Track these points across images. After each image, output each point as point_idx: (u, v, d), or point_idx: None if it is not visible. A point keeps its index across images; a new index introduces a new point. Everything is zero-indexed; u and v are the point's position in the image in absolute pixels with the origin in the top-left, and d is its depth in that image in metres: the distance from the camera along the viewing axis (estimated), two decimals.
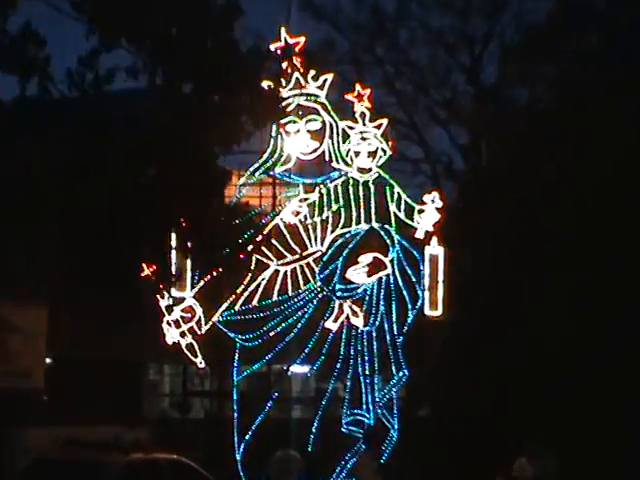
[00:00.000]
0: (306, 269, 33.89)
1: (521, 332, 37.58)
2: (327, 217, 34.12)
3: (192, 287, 32.48)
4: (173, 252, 32.01)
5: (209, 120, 21.93)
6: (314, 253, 33.87)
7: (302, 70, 33.96)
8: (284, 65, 32.79)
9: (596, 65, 46.10)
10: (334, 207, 34.21)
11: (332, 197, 34.23)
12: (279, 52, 32.14)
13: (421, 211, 34.65)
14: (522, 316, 37.03)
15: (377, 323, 34.30)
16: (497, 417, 38.59)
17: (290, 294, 33.77)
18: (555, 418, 38.89)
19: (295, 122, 34.08)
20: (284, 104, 33.60)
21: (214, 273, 32.60)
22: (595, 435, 39.84)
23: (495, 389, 39.51)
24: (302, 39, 33.61)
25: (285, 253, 33.61)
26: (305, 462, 31.44)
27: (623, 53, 45.71)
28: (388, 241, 34.24)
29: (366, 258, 33.99)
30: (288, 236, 33.57)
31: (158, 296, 31.78)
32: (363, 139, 34.51)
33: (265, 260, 33.33)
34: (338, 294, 33.87)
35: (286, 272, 33.75)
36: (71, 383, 32.99)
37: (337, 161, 34.35)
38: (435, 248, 34.60)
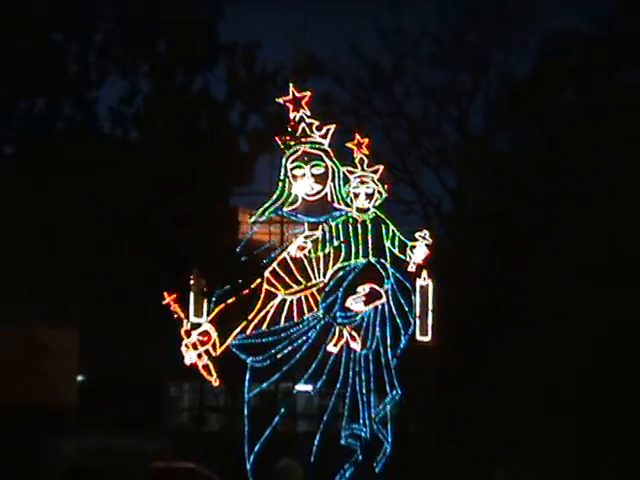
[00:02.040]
0: (310, 298, 33.98)
1: (501, 356, 37.64)
2: (329, 252, 34.32)
3: (208, 314, 32.72)
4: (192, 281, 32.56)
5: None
6: (317, 284, 34.01)
7: (308, 121, 34.25)
8: (292, 116, 33.33)
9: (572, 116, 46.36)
10: (335, 243, 34.32)
11: (334, 234, 34.36)
12: (288, 104, 32.57)
13: (413, 247, 34.74)
14: (501, 341, 37.09)
15: (373, 347, 34.35)
16: (481, 428, 38.62)
17: (295, 320, 33.85)
18: (532, 435, 38.97)
19: (301, 167, 34.23)
20: (291, 151, 34.10)
21: (227, 302, 33.12)
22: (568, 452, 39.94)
23: (479, 406, 39.58)
24: (308, 93, 33.96)
25: (291, 284, 33.77)
26: (305, 471, 32.08)
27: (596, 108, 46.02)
28: (383, 273, 34.36)
29: (364, 289, 34.10)
30: (294, 269, 33.80)
31: (177, 322, 32.12)
32: (362, 182, 34.62)
33: (273, 290, 33.58)
34: (338, 321, 33.96)
35: (292, 301, 33.84)
36: (100, 399, 33.08)
37: (338, 202, 34.47)
38: (425, 280, 34.72)
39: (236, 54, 21.59)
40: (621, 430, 39.91)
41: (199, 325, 32.62)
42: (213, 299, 32.90)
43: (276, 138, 33.68)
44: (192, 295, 32.52)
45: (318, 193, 34.52)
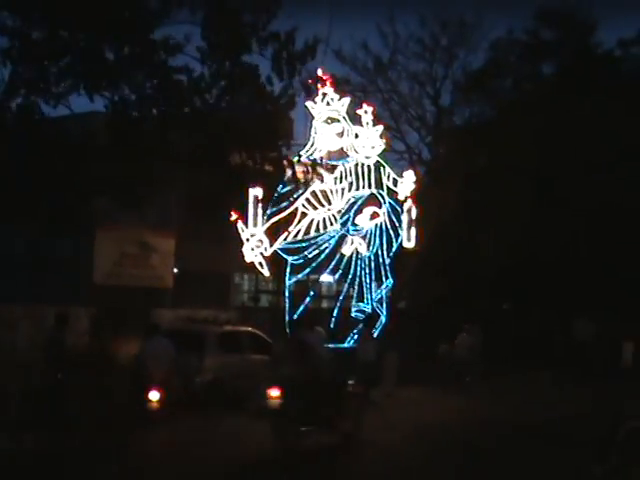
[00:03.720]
0: (331, 217, 33.96)
1: (463, 255, 37.58)
2: (344, 185, 34.21)
3: (262, 225, 32.73)
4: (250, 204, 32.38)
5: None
6: (336, 207, 33.97)
7: (330, 95, 33.99)
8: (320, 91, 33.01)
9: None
10: (349, 179, 34.28)
11: (348, 173, 34.30)
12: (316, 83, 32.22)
13: (402, 182, 34.80)
14: (465, 248, 37.01)
15: (374, 250, 34.41)
16: (447, 307, 38.54)
17: (321, 232, 33.90)
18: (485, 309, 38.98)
19: (326, 127, 34.11)
20: (319, 116, 33.94)
21: (276, 218, 33.05)
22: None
23: (448, 291, 39.51)
24: (332, 75, 33.79)
25: (318, 207, 33.69)
26: (327, 333, 32.07)
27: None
28: (381, 200, 34.33)
29: (368, 210, 34.11)
30: (321, 196, 33.64)
31: (241, 231, 32.05)
32: (367, 138, 34.49)
33: (306, 211, 33.47)
34: (350, 232, 33.96)
35: (319, 219, 33.89)
36: (188, 284, 33.12)
37: (351, 151, 34.38)
38: (410, 205, 34.58)
39: (280, 38, 20.81)
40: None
41: (255, 234, 32.57)
42: (265, 216, 32.78)
43: (308, 105, 33.41)
44: (251, 212, 32.40)
45: (338, 145, 34.40)
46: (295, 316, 33.45)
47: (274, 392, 18.72)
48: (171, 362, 20.81)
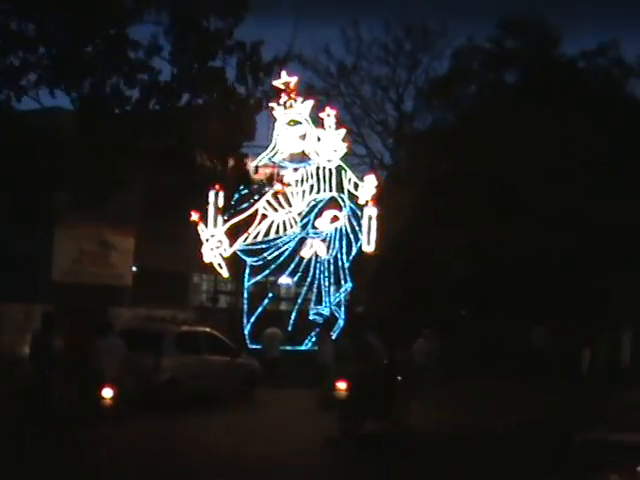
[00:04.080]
0: (292, 219, 34.07)
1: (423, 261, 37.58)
2: (305, 188, 34.32)
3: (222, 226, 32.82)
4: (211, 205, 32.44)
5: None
6: (297, 210, 34.08)
7: (294, 97, 34.07)
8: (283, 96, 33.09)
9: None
10: (310, 182, 34.38)
11: (309, 176, 34.41)
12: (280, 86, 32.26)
13: (362, 187, 34.88)
14: (426, 253, 36.99)
15: (333, 254, 34.57)
16: (406, 311, 38.55)
17: (281, 234, 33.99)
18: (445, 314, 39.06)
19: (288, 129, 34.21)
20: (281, 118, 34.07)
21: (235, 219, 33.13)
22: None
23: (406, 295, 39.54)
24: (295, 78, 33.80)
25: (279, 209, 33.78)
26: (285, 336, 32.17)
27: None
28: (342, 204, 34.48)
29: (328, 214, 34.28)
30: (282, 199, 33.74)
31: (201, 231, 32.13)
32: (329, 141, 34.55)
33: (267, 213, 33.56)
34: (310, 235, 34.13)
35: (279, 221, 33.98)
36: (146, 283, 33.00)
37: (313, 154, 34.46)
38: (371, 209, 34.63)
39: (245, 48, 21.03)
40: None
41: (215, 235, 32.67)
42: (225, 217, 32.88)
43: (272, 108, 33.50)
44: (211, 212, 32.50)
45: (299, 148, 34.49)
46: (253, 318, 33.68)
47: (341, 385, 21.76)
48: (123, 360, 20.84)
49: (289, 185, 33.10)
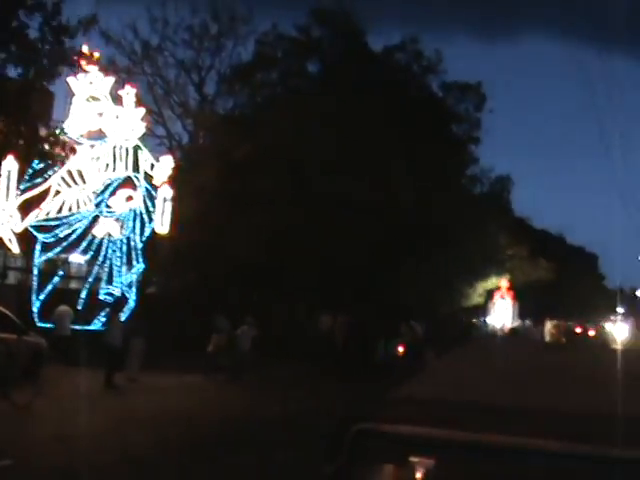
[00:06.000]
0: (86, 197, 33.99)
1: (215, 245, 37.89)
2: (101, 166, 34.29)
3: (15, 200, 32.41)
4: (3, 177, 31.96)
5: None
6: (91, 188, 34.01)
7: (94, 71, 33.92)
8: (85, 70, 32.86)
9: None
10: (106, 160, 34.38)
11: (105, 153, 34.40)
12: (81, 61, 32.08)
13: (159, 167, 35.08)
14: (220, 237, 37.26)
15: (127, 233, 34.67)
16: (197, 294, 38.81)
17: (74, 212, 33.86)
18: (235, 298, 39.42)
19: (87, 104, 34.09)
20: (81, 93, 33.85)
21: (28, 193, 32.78)
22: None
23: (197, 278, 39.86)
24: (97, 54, 33.61)
25: (73, 185, 33.65)
26: (75, 314, 32.03)
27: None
28: (138, 184, 34.64)
29: (123, 193, 34.39)
30: (76, 175, 33.64)
31: None
32: (127, 120, 34.62)
33: (60, 189, 33.37)
34: (104, 214, 34.15)
35: (73, 198, 33.80)
36: None
37: (110, 132, 34.46)
38: (166, 191, 34.89)
39: (46, 9, 21.08)
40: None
41: (6, 209, 32.28)
42: (18, 191, 32.52)
43: (71, 82, 33.30)
44: (3, 185, 32.07)
45: (97, 124, 34.40)
46: (43, 295, 33.39)
47: (400, 348, 40.30)
48: None
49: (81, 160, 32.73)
